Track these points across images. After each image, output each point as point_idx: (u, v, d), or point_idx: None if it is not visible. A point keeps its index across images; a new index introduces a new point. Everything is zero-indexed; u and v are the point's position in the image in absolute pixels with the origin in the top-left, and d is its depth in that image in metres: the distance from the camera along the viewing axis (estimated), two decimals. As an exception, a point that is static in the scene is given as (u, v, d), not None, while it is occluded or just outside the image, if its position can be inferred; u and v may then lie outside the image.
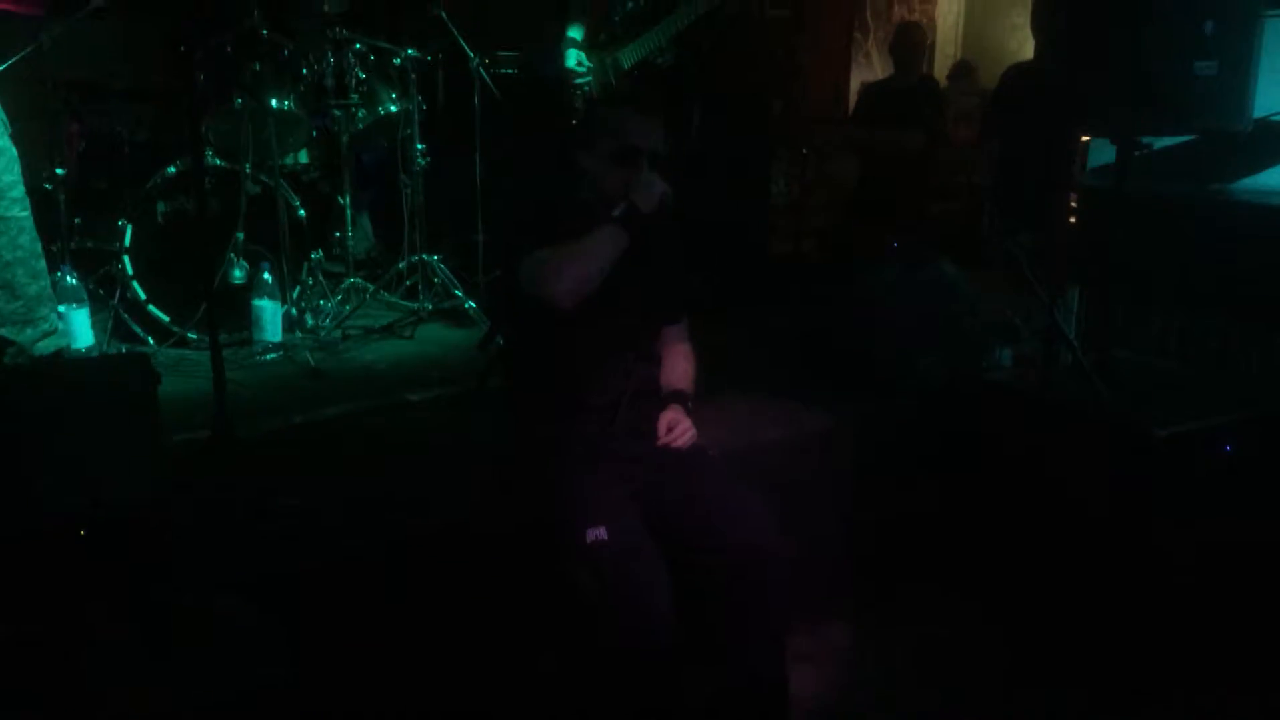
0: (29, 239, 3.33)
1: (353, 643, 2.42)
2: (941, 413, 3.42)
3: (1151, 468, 2.92)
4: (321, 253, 4.40)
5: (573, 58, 4.24)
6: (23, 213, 3.31)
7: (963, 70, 6.68)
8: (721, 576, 2.36)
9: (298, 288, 4.23)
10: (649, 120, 2.54)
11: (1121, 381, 3.21)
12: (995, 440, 3.28)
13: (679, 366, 2.70)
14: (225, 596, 2.30)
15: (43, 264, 3.42)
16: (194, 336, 3.94)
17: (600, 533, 2.24)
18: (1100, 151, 3.72)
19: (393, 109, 4.54)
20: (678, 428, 2.54)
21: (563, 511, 2.32)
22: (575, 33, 4.36)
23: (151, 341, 3.98)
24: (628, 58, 4.23)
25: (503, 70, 4.40)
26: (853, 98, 6.47)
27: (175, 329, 3.96)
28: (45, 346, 3.40)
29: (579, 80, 4.23)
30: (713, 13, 5.57)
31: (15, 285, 3.31)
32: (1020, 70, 5.02)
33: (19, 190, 3.30)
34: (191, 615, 2.24)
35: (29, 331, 3.35)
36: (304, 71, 4.31)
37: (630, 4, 4.32)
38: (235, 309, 4.01)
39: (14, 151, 3.29)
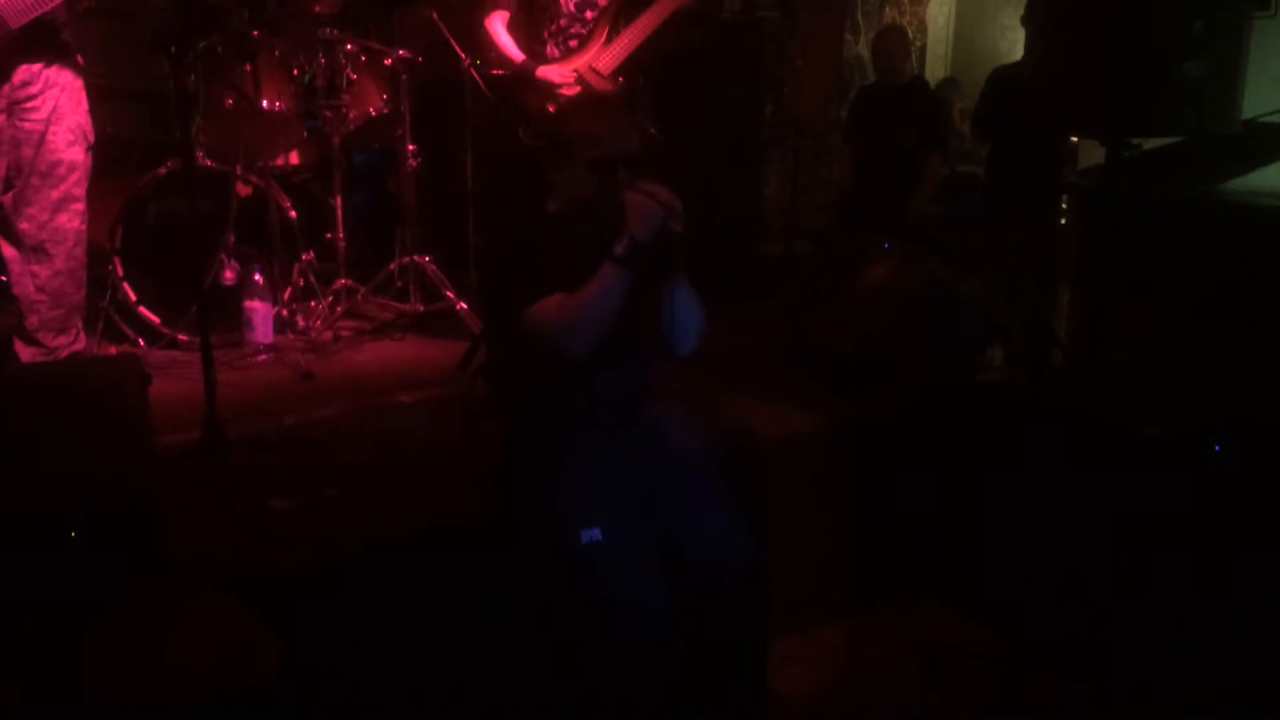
0: (82, 250, 3.42)
1: (345, 644, 2.41)
2: (932, 413, 3.42)
3: (1141, 467, 2.93)
4: (313, 254, 4.39)
5: (555, 73, 4.06)
6: (81, 225, 3.39)
7: (949, 84, 6.71)
8: (704, 587, 2.35)
9: (289, 289, 4.22)
10: (619, 122, 2.44)
11: (1111, 381, 3.22)
12: (986, 440, 3.29)
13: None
14: (217, 599, 2.29)
15: (84, 274, 3.47)
16: (185, 338, 3.93)
17: (595, 534, 2.24)
18: (1090, 152, 3.73)
19: (384, 110, 4.53)
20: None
21: (557, 512, 2.32)
22: None
23: (142, 343, 3.97)
24: (605, 63, 4.14)
25: (494, 71, 4.37)
26: (844, 98, 6.47)
27: (166, 330, 3.96)
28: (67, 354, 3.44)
29: (567, 94, 4.11)
30: (701, 14, 5.57)
31: (62, 294, 3.38)
32: (1008, 72, 5.03)
33: (83, 203, 3.38)
34: (184, 618, 2.24)
35: (61, 340, 3.40)
36: (295, 72, 4.30)
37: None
38: (226, 310, 4.00)
39: (89, 165, 3.38)
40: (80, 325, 3.54)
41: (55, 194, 3.29)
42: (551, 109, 4.01)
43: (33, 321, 3.37)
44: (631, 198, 2.27)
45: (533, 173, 4.11)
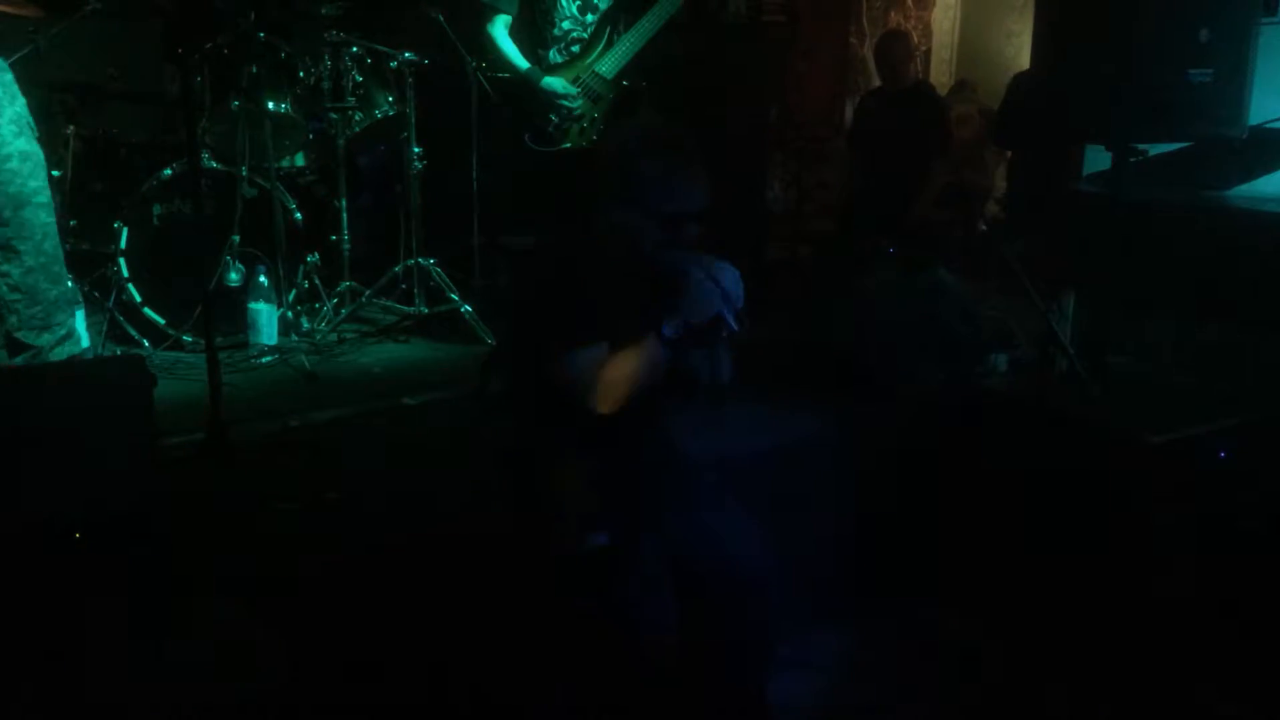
0: (52, 244, 3.34)
1: (347, 647, 2.41)
2: (937, 419, 3.42)
3: (1147, 474, 2.92)
4: (318, 256, 4.40)
5: (558, 83, 4.07)
6: (48, 218, 3.31)
7: (959, 87, 6.71)
8: (710, 593, 2.35)
9: (293, 291, 4.22)
10: (696, 179, 2.26)
11: (1117, 388, 3.21)
12: (991, 447, 3.28)
13: None
14: (220, 599, 2.29)
15: (63, 269, 3.42)
16: (189, 339, 3.94)
17: (601, 538, 2.24)
18: (1096, 157, 3.72)
19: (389, 112, 4.54)
20: None
21: (561, 516, 2.31)
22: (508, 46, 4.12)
23: (147, 344, 3.97)
24: (607, 66, 4.12)
25: (500, 74, 4.37)
26: (848, 103, 6.48)
27: (171, 331, 3.96)
28: (60, 352, 3.40)
29: (569, 105, 4.11)
30: (707, 19, 5.57)
31: (37, 291, 3.31)
32: (1026, 78, 5.02)
33: (45, 195, 3.30)
34: (187, 617, 2.24)
35: (46, 337, 3.35)
36: (300, 74, 4.31)
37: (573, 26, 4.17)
38: (231, 312, 4.01)
39: (40, 155, 3.29)
40: (70, 323, 3.50)
41: (10, 189, 3.20)
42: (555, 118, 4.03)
43: (12, 322, 3.31)
44: (695, 278, 2.19)
45: (545, 181, 4.14)
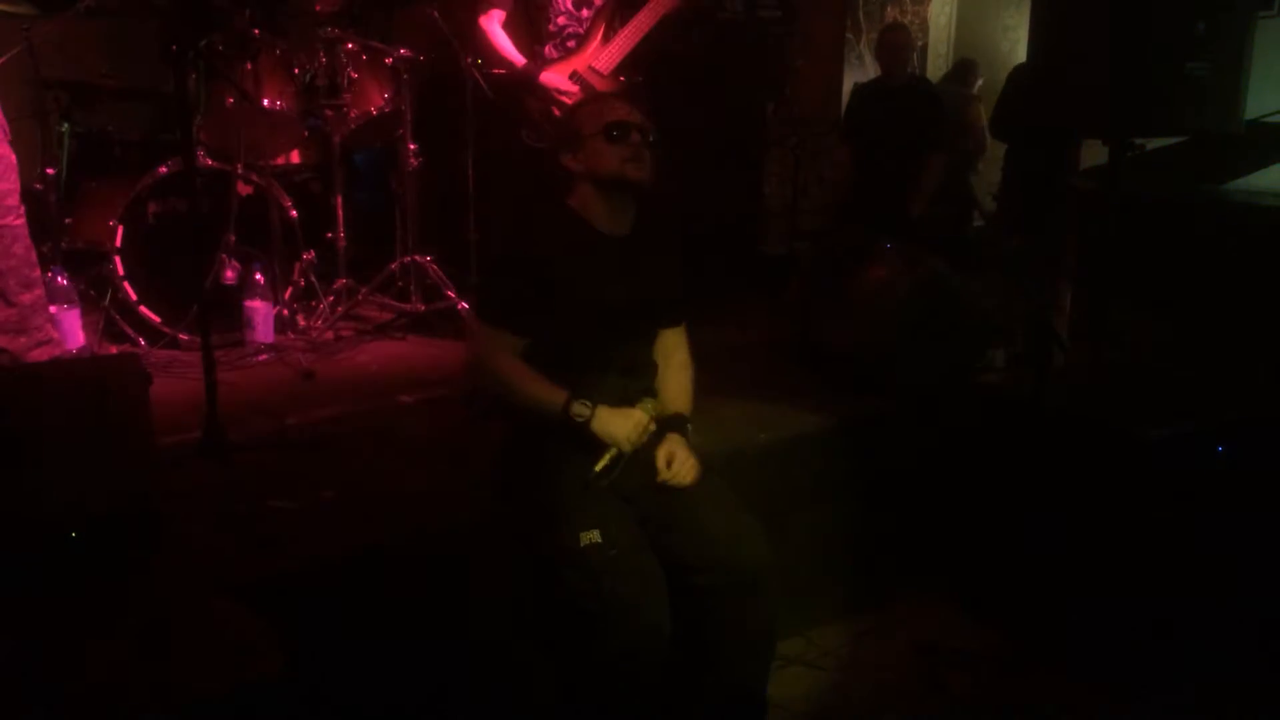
0: (23, 247, 3.30)
1: (345, 645, 2.41)
2: (934, 415, 3.42)
3: (1144, 469, 2.92)
4: (314, 253, 4.39)
5: (558, 77, 4.01)
6: (17, 221, 3.28)
7: (961, 67, 6.68)
8: (710, 592, 2.35)
9: (290, 288, 4.22)
10: (629, 101, 2.51)
11: (1114, 383, 3.22)
12: (988, 442, 3.28)
13: (675, 381, 2.57)
14: (218, 599, 2.29)
15: (36, 273, 3.39)
16: (185, 337, 3.93)
17: (594, 536, 2.23)
18: (1093, 152, 3.72)
19: (385, 109, 4.53)
20: (677, 463, 2.40)
21: (556, 514, 2.31)
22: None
23: (143, 342, 3.96)
24: (603, 62, 4.07)
25: (495, 70, 4.36)
26: (845, 98, 6.47)
27: (167, 330, 3.95)
28: (38, 356, 3.38)
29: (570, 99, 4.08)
30: (704, 13, 5.56)
31: (8, 294, 3.27)
32: (1024, 71, 5.01)
33: (14, 198, 3.27)
34: (184, 618, 2.23)
35: (22, 340, 3.33)
36: (295, 71, 4.30)
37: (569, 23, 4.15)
38: (227, 310, 4.00)
39: (12, 159, 3.27)
40: (47, 329, 3.46)
41: None
42: (557, 112, 4.01)
43: None
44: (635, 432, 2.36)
45: (536, 173, 4.12)
